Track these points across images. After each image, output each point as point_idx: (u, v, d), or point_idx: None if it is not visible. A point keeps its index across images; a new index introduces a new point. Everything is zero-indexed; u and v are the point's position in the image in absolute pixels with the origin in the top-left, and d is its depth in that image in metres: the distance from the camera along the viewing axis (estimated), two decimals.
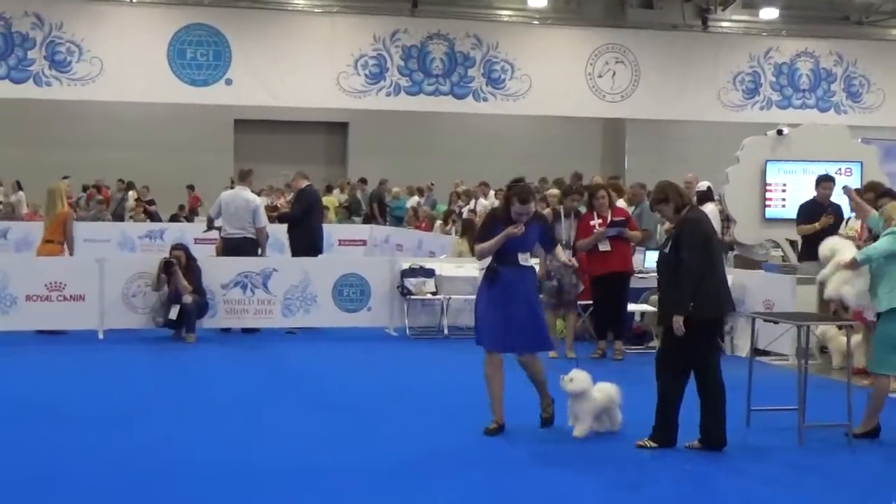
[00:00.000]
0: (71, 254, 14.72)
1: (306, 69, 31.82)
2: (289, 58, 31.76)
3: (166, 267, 13.95)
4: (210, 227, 16.18)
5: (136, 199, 29.00)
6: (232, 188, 17.85)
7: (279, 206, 23.79)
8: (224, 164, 33.16)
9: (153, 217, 28.00)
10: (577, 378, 8.82)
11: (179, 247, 14.60)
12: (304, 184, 16.23)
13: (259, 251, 15.26)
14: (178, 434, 8.93)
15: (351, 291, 14.91)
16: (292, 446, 8.57)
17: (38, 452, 8.25)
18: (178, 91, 31.73)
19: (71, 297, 13.97)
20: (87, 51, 31.36)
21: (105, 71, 31.20)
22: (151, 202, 29.49)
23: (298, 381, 11.66)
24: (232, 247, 15.16)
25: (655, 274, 9.36)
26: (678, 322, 8.31)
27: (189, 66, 31.68)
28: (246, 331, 14.75)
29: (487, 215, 9.91)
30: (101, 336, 13.94)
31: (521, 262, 8.95)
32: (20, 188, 30.04)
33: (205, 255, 15.47)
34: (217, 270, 14.51)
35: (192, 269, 14.14)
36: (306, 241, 15.85)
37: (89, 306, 14.01)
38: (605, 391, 8.94)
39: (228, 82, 31.88)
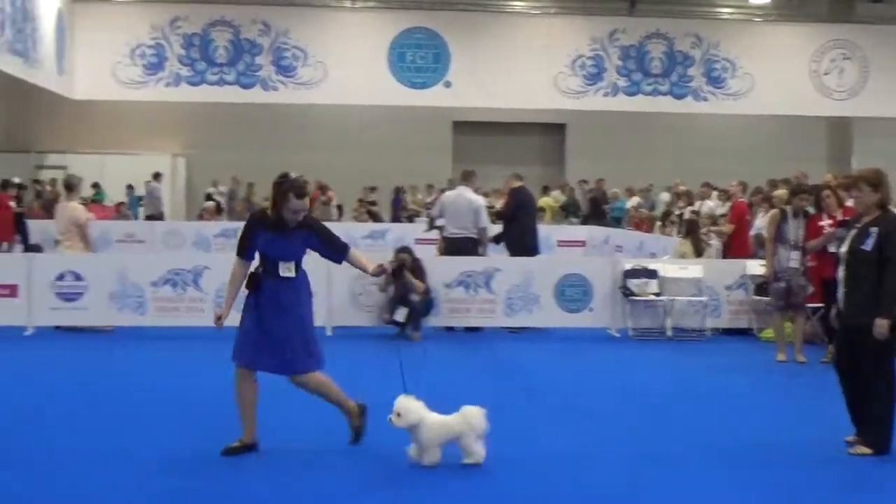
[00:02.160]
0: None
1: (524, 70, 31.97)
2: (506, 59, 31.97)
3: (396, 269, 14.19)
4: (431, 226, 16.42)
5: (358, 200, 29.60)
6: (452, 189, 18.02)
7: (497, 207, 23.90)
8: (442, 165, 33.57)
9: (376, 218, 28.57)
10: (405, 411, 7.65)
11: (404, 250, 14.81)
12: (516, 184, 16.33)
13: (481, 251, 15.38)
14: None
15: (573, 292, 14.86)
16: (528, 447, 8.56)
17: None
18: (399, 94, 32.36)
19: None
20: (311, 55, 32.31)
21: (328, 75, 32.09)
22: (374, 203, 30.07)
23: (529, 382, 11.61)
24: (454, 247, 15.32)
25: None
26: (883, 325, 8.01)
27: (409, 69, 32.24)
28: (469, 329, 14.88)
29: (250, 216, 8.44)
30: (329, 333, 14.28)
31: (282, 274, 7.90)
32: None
33: (427, 255, 15.66)
34: (440, 270, 14.68)
35: (418, 270, 14.35)
36: (518, 242, 15.91)
37: (317, 304, 14.31)
38: (465, 417, 7.71)
39: (447, 84, 32.32)
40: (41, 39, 28.08)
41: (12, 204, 22.37)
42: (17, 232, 22.26)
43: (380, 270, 8.12)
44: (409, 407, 7.66)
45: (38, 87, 29.09)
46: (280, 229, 7.89)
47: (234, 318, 8.05)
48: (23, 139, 34.14)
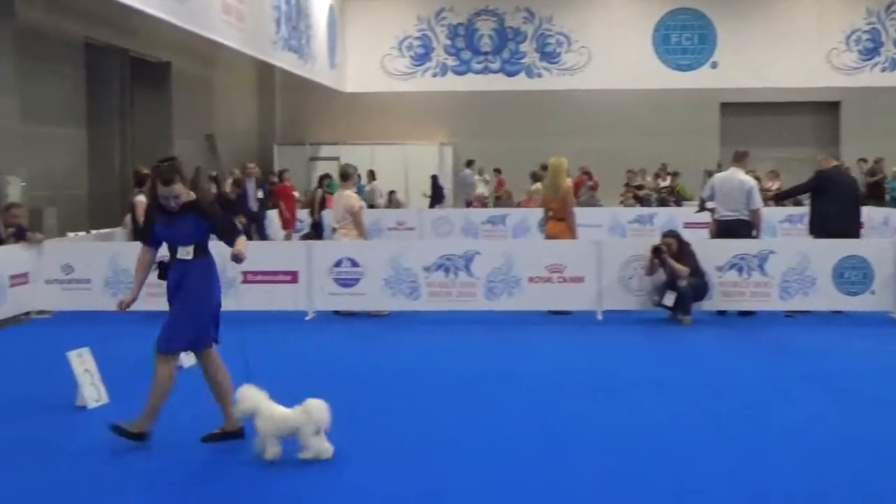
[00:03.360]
0: (573, 234, 15.12)
1: (794, 48, 31.04)
2: (775, 37, 31.11)
3: (656, 253, 14.04)
4: (702, 208, 16.12)
5: (625, 185, 29.39)
6: (720, 171, 17.65)
7: (770, 188, 23.28)
8: (709, 147, 32.93)
9: (643, 202, 28.29)
10: (241, 399, 7.49)
11: (671, 234, 14.60)
12: (828, 164, 15.72)
13: (754, 233, 14.98)
14: (679, 412, 8.92)
15: (853, 274, 14.29)
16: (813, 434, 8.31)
17: (541, 419, 8.55)
18: (664, 76, 31.99)
19: (570, 278, 14.40)
20: (575, 41, 32.33)
21: (592, 60, 32.04)
22: (640, 187, 29.79)
23: (808, 368, 11.27)
24: (726, 229, 14.99)
25: None
26: None
27: (674, 51, 31.81)
28: (742, 314, 14.53)
29: (148, 204, 8.50)
30: (599, 317, 14.25)
31: (180, 256, 7.93)
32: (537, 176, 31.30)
33: (699, 238, 15.38)
34: (712, 253, 14.39)
35: (686, 254, 14.12)
36: (819, 224, 15.30)
37: (588, 288, 14.37)
38: (305, 410, 7.42)
39: (714, 65, 31.74)
40: (314, 36, 29.14)
41: (296, 194, 23.29)
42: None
43: (235, 256, 7.92)
44: (246, 396, 7.48)
45: (312, 82, 30.20)
46: (168, 214, 7.95)
47: None
48: (298, 132, 35.53)
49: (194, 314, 7.92)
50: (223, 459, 7.61)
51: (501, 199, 30.41)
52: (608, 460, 7.50)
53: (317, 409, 7.39)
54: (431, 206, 30.70)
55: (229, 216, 7.86)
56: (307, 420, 7.36)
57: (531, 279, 14.41)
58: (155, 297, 14.38)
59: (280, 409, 7.44)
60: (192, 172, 20.12)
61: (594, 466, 7.33)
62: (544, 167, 30.36)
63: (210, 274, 8.06)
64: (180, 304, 7.91)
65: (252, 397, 7.44)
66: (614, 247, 15.07)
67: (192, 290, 7.92)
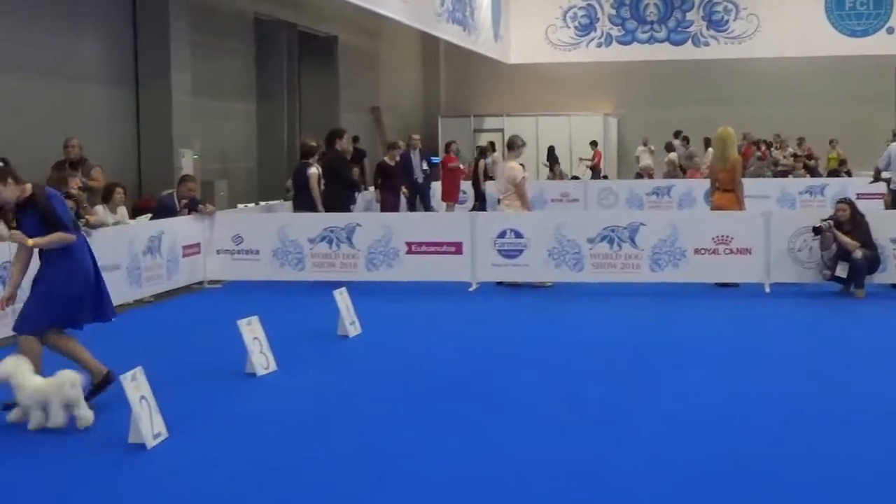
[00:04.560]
0: (741, 206, 14.82)
1: None
2: None
3: (816, 231, 13.64)
4: (877, 178, 15.63)
5: (793, 155, 28.66)
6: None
7: None
8: (885, 115, 31.82)
9: (813, 172, 27.57)
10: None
11: (845, 200, 14.18)
12: None
13: None
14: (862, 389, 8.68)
15: None
16: None
17: (705, 392, 8.41)
18: (836, 43, 31.04)
19: (738, 250, 14.12)
20: (743, 8, 31.61)
21: (761, 27, 31.27)
22: (810, 157, 29.03)
23: None
24: None
25: None
26: None
27: (848, 16, 30.84)
28: None
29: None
30: (767, 290, 13.95)
31: (30, 244, 8.14)
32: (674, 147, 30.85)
33: (872, 209, 14.90)
34: (887, 224, 13.92)
35: (858, 225, 13.69)
36: None
37: (755, 260, 14.07)
38: (56, 381, 7.56)
39: (890, 31, 30.63)
40: (478, 7, 29.14)
41: (462, 166, 23.43)
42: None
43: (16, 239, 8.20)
44: (5, 365, 7.68)
45: (476, 54, 30.23)
46: (20, 209, 8.23)
47: None
48: (463, 104, 35.66)
49: (49, 299, 8.14)
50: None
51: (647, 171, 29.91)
52: (796, 439, 7.33)
53: (67, 381, 7.56)
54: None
55: (55, 211, 8.15)
56: (56, 392, 7.55)
57: (697, 251, 14.18)
58: (322, 269, 14.80)
59: (37, 381, 7.66)
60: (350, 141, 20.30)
61: (784, 446, 7.18)
62: (679, 136, 29.98)
63: (66, 261, 8.19)
64: (35, 289, 8.23)
65: (7, 369, 7.67)
66: (783, 218, 14.70)
67: (46, 277, 8.20)
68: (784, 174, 26.99)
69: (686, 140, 30.05)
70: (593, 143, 32.38)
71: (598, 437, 7.32)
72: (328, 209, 15.68)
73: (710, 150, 30.33)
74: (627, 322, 12.10)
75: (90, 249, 8.45)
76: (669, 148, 29.09)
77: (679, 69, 33.22)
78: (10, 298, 8.41)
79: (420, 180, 22.07)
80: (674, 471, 6.54)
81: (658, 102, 33.95)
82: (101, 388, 8.23)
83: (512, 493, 6.21)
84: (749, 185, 17.74)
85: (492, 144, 29.03)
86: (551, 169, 31.11)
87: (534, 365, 9.77)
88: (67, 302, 8.22)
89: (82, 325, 8.42)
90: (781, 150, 29.58)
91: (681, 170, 26.75)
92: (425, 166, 21.75)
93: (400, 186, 20.47)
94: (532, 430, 7.51)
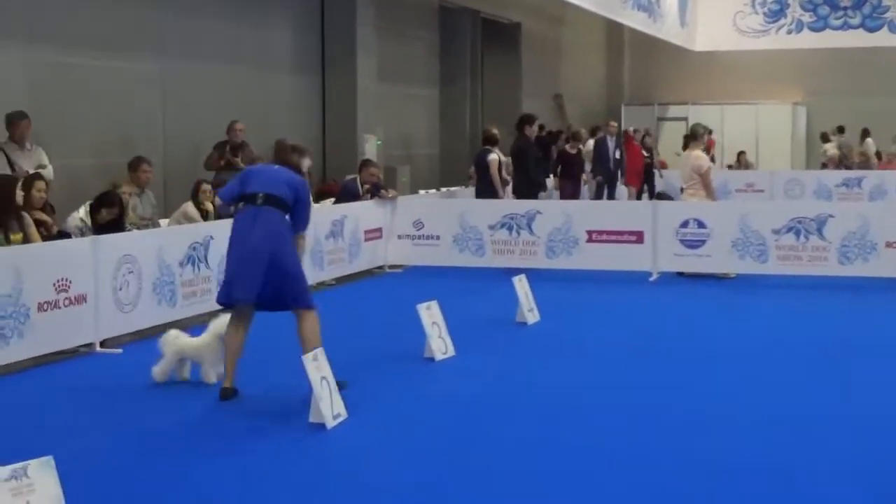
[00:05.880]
0: None
1: None
2: None
3: None
4: None
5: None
6: None
7: None
8: None
9: None
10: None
11: None
12: None
13: None
14: None
15: None
16: None
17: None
18: None
19: None
20: None
21: None
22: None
23: None
24: None
25: None
26: None
27: None
28: None
29: None
30: None
31: None
32: (867, 136, 29.82)
33: None
34: None
35: None
36: None
37: None
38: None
39: None
40: None
41: (644, 153, 23.14)
42: (644, 181, 23.03)
43: None
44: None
45: (661, 41, 29.79)
46: None
47: None
48: (646, 92, 35.21)
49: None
50: None
51: None
52: None
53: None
54: None
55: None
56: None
57: (889, 244, 13.67)
58: (502, 255, 14.81)
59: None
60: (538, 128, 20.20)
61: None
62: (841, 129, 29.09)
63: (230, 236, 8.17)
64: None
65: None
66: None
67: None
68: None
69: (841, 130, 29.40)
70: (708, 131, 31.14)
71: (772, 434, 7.13)
72: (518, 195, 15.70)
73: (869, 140, 29.65)
74: (812, 317, 11.76)
75: (259, 227, 7.95)
76: (825, 138, 28.23)
77: (875, 56, 32.04)
78: None
79: (612, 168, 21.82)
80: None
81: (851, 92, 32.80)
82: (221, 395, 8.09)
83: (674, 485, 6.09)
84: None
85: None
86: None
87: (708, 356, 9.59)
88: (225, 276, 8.34)
89: (235, 302, 8.10)
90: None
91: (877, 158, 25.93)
92: (618, 154, 21.47)
93: (580, 175, 20.35)
94: (700, 424, 7.37)
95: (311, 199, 8.45)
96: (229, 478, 6.29)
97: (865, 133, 30.09)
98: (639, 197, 22.22)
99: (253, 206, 8.02)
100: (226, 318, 8.24)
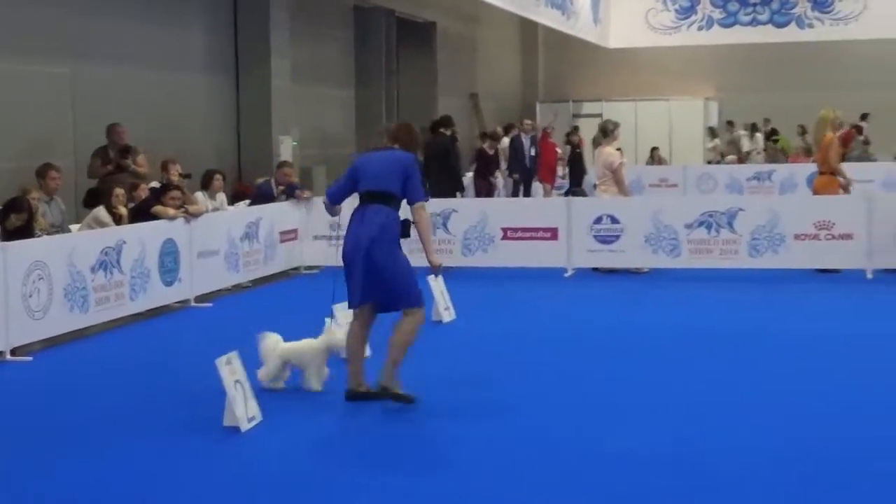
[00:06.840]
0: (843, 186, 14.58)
1: None
2: None
3: None
4: None
5: None
6: None
7: None
8: None
9: None
10: None
11: None
12: None
13: None
14: None
15: None
16: None
17: (798, 381, 8.29)
18: None
19: (839, 235, 13.86)
20: None
21: (868, 7, 30.54)
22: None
23: None
24: None
25: None
26: None
27: None
28: None
29: None
30: (869, 276, 13.69)
31: None
32: (756, 130, 30.64)
33: None
34: None
35: None
36: None
37: (857, 245, 13.81)
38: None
39: None
40: None
41: (558, 150, 23.36)
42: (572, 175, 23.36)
43: None
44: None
45: (575, 39, 30.03)
46: None
47: None
48: (561, 89, 35.47)
49: None
50: None
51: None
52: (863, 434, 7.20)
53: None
54: None
55: None
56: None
57: (797, 236, 13.96)
58: (419, 253, 14.80)
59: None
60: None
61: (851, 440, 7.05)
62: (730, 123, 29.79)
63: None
64: None
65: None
66: (887, 202, 14.40)
67: None
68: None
69: (730, 124, 30.59)
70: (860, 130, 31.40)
71: (685, 425, 7.26)
72: (439, 194, 15.76)
73: (758, 135, 30.31)
74: (722, 308, 11.97)
75: (363, 228, 8.24)
76: (713, 133, 28.85)
77: (784, 52, 32.56)
78: None
79: (529, 165, 21.96)
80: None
81: (761, 87, 33.31)
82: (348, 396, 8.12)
83: (590, 483, 6.19)
84: (852, 169, 17.39)
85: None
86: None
87: (620, 350, 9.72)
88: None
89: (350, 305, 8.29)
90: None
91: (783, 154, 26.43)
92: (533, 152, 21.62)
93: (495, 173, 20.53)
94: (614, 415, 7.48)
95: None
96: (136, 481, 6.26)
97: (754, 128, 30.74)
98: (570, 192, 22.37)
99: (360, 205, 8.29)
100: (336, 325, 8.40)
